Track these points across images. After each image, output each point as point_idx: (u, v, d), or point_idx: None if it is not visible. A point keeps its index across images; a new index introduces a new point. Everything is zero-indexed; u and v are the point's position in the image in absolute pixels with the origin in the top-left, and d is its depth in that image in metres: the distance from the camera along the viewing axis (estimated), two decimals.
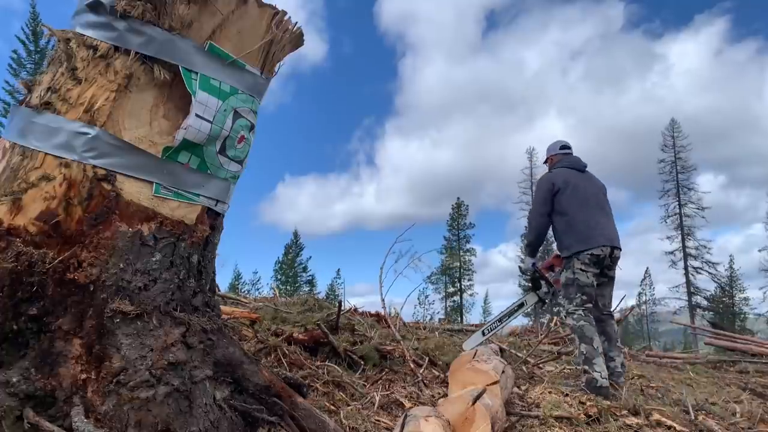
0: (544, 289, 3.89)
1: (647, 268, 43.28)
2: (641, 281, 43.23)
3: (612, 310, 3.78)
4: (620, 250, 3.61)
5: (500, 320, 3.97)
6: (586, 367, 3.34)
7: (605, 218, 3.66)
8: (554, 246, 4.07)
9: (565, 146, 4.02)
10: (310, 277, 41.49)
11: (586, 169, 3.88)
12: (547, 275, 3.85)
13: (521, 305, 4.02)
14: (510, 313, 3.97)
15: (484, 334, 3.93)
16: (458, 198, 42.55)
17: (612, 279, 3.69)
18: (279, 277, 40.63)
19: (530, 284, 4.01)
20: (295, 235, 43.15)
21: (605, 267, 3.58)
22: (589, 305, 3.52)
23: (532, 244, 3.92)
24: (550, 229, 3.78)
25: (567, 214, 3.61)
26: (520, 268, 4.00)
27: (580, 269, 3.49)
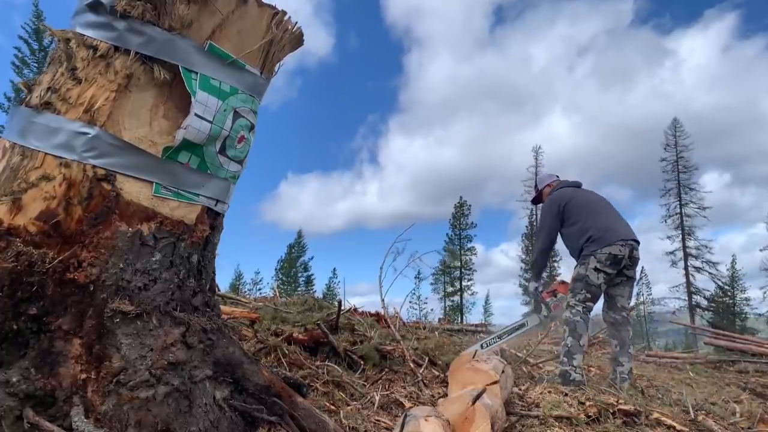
0: (544, 312, 4.06)
1: (642, 267, 43.27)
2: (637, 281, 43.23)
3: (629, 312, 3.81)
4: (639, 244, 3.64)
5: (500, 337, 4.08)
6: (565, 359, 3.47)
7: (617, 218, 3.73)
8: (559, 271, 4.29)
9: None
10: (309, 276, 41.40)
11: (582, 186, 4.07)
12: (548, 300, 4.01)
13: (522, 326, 4.13)
14: (510, 332, 4.07)
15: (482, 347, 4.01)
16: (461, 197, 42.57)
17: (631, 279, 3.72)
18: (280, 277, 40.56)
19: (533, 307, 4.20)
20: (299, 234, 43.08)
21: (624, 267, 3.60)
22: (591, 304, 3.59)
23: (538, 265, 4.05)
24: (555, 249, 3.94)
25: (578, 221, 3.70)
26: (526, 288, 4.16)
27: (594, 268, 3.52)
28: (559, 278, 4.02)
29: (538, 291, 3.98)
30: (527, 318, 4.13)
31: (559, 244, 4.00)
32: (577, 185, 4.02)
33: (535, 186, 4.33)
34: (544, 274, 4.19)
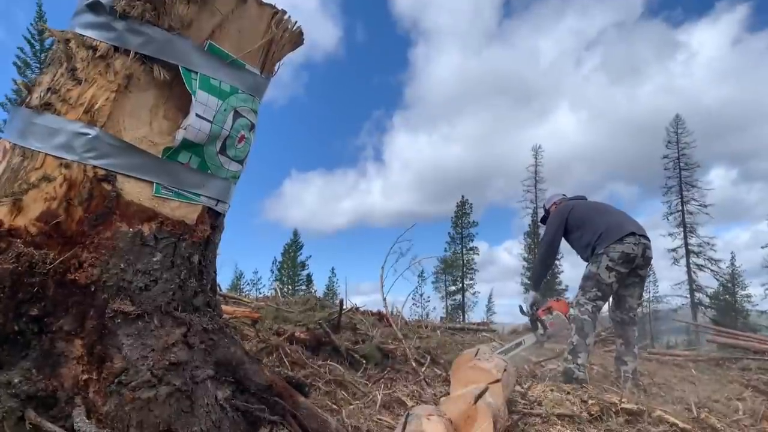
0: (540, 331, 4.06)
1: (651, 265, 43.20)
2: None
3: (636, 312, 3.80)
4: (650, 241, 3.63)
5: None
6: (569, 357, 3.45)
7: (626, 216, 3.76)
8: (561, 269, 4.35)
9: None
10: (308, 276, 41.30)
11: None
12: (544, 317, 4.01)
13: (519, 344, 4.14)
14: (506, 351, 4.06)
15: None
16: (462, 196, 42.54)
17: (643, 279, 3.70)
18: (279, 277, 40.52)
19: (530, 325, 4.22)
20: (295, 234, 43.04)
21: (637, 267, 3.57)
22: (601, 303, 3.56)
23: (537, 274, 4.07)
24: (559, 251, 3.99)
25: (586, 222, 3.73)
26: (520, 308, 4.18)
27: (606, 267, 3.48)
28: (555, 296, 4.08)
29: (534, 308, 4.00)
30: (524, 337, 4.18)
31: (564, 245, 4.01)
32: (583, 198, 4.12)
33: (543, 206, 4.37)
34: (543, 283, 4.22)
